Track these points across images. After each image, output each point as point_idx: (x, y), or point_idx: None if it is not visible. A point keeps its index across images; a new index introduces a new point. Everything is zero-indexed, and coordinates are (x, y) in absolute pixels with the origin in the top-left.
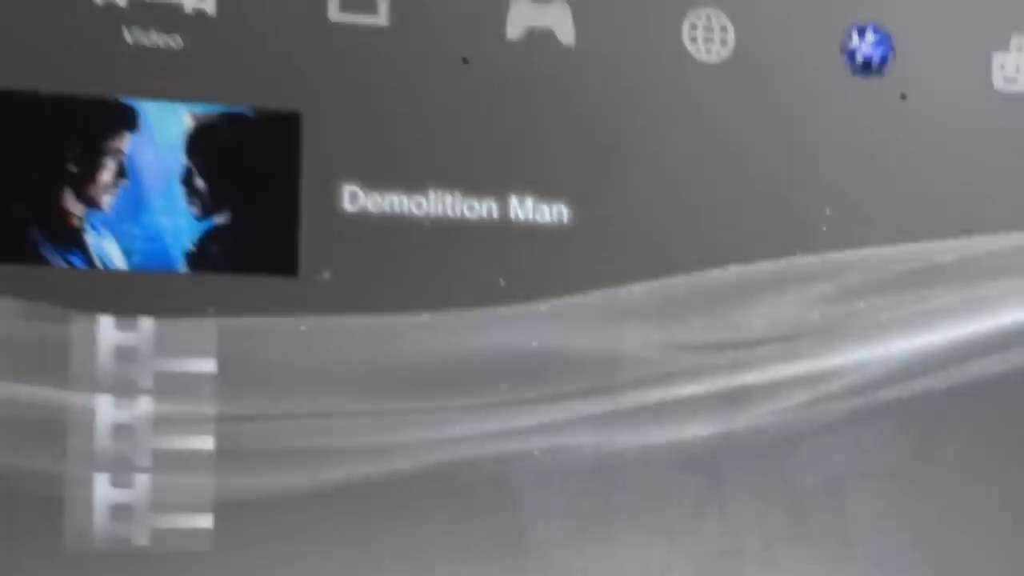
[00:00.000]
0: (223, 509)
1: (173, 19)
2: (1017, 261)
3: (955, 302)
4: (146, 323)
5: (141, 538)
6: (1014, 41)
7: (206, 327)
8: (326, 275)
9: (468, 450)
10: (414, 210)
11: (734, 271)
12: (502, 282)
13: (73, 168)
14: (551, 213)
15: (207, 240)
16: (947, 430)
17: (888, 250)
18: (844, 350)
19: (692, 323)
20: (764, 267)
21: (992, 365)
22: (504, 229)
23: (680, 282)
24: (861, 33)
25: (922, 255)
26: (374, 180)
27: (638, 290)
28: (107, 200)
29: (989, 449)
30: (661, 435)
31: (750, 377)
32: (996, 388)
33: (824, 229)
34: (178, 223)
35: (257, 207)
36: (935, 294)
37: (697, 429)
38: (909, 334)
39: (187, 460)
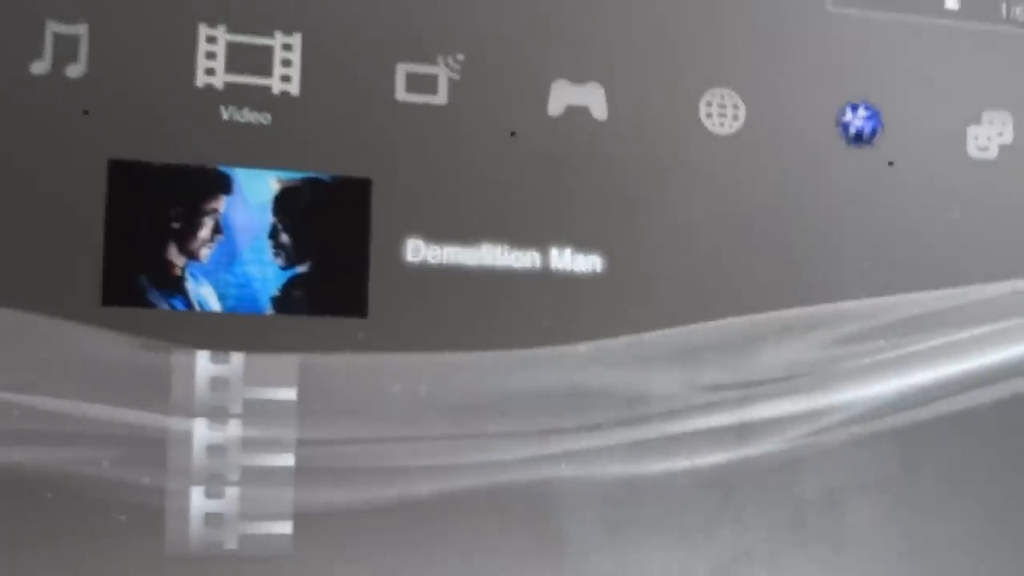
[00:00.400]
0: (301, 518)
1: (263, 99)
2: (993, 309)
3: (939, 345)
4: (237, 357)
5: (231, 543)
6: (985, 116)
7: (288, 361)
8: None
9: (512, 472)
10: (468, 261)
11: (744, 320)
12: (545, 323)
13: (176, 226)
14: (587, 263)
15: (290, 287)
16: (931, 453)
17: (880, 300)
18: (841, 388)
19: (709, 365)
20: (770, 316)
21: (973, 399)
22: (545, 277)
23: (698, 329)
24: (854, 109)
25: (909, 305)
26: (434, 235)
27: (662, 336)
28: (205, 253)
29: (968, 469)
30: (682, 461)
31: (759, 412)
32: (975, 417)
33: (823, 280)
34: (265, 272)
35: (333, 259)
36: (921, 338)
37: (714, 457)
38: (900, 373)
39: (271, 475)
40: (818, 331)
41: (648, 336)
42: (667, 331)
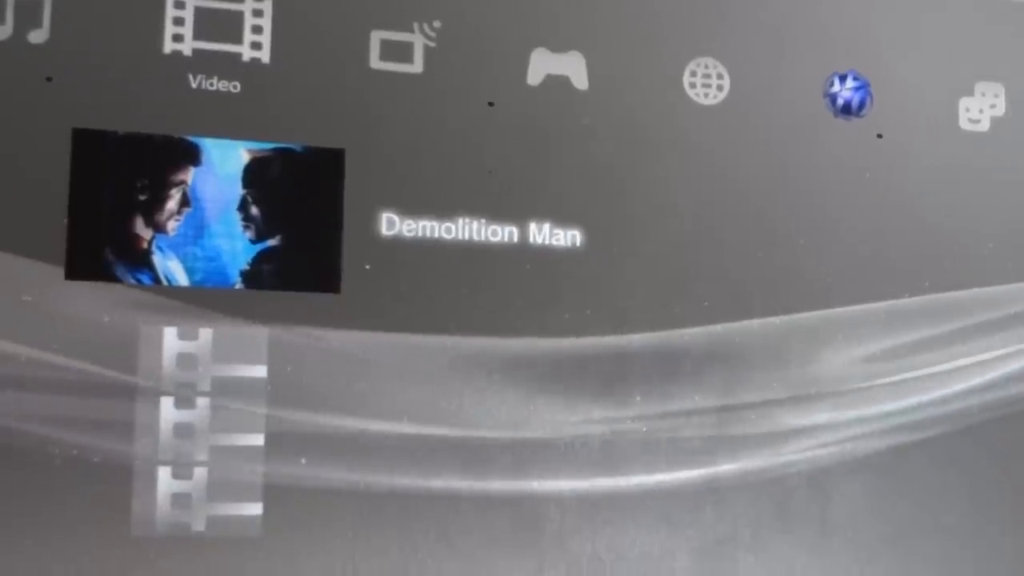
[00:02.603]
0: (271, 499)
1: (232, 67)
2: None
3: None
4: (205, 333)
5: (198, 524)
6: (978, 87)
7: (258, 337)
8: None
9: (494, 457)
10: (444, 235)
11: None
12: (523, 300)
13: (143, 198)
14: (566, 238)
15: (260, 261)
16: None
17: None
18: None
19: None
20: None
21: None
22: (523, 252)
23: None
24: (842, 79)
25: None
26: (409, 208)
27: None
28: (172, 226)
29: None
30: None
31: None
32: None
33: (811, 255)
34: (235, 246)
35: (305, 232)
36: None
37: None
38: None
39: (240, 455)
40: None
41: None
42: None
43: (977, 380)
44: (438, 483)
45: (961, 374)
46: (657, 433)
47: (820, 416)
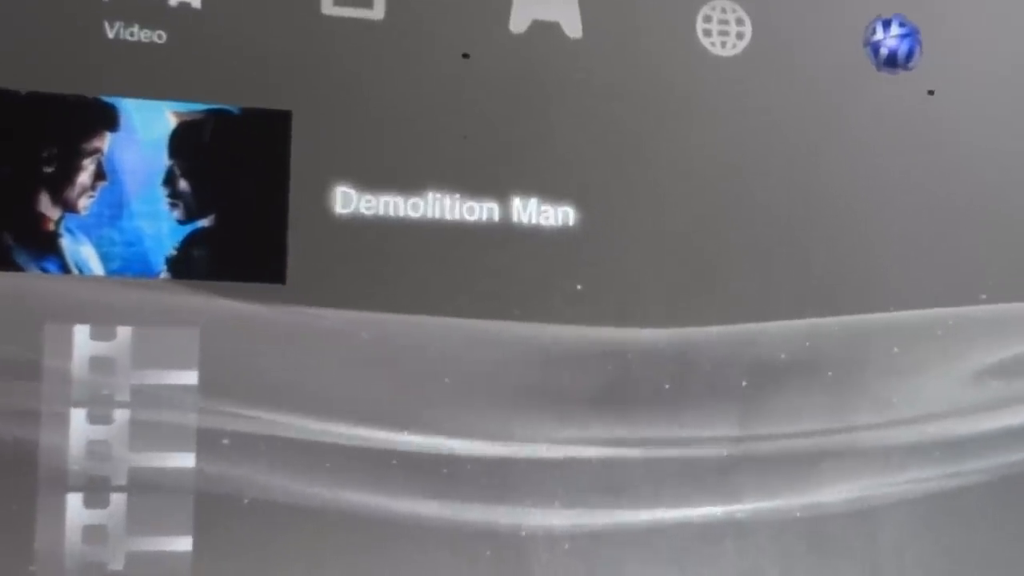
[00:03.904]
0: (203, 532)
1: (156, 13)
2: None
3: None
4: (124, 332)
5: (115, 562)
6: None
7: (187, 337)
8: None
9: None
10: (411, 213)
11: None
12: (506, 288)
13: (49, 169)
14: (556, 216)
15: (190, 245)
16: None
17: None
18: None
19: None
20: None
21: None
22: (506, 233)
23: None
24: (886, 26)
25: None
26: (368, 181)
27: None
28: (84, 203)
29: None
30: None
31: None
32: None
33: (850, 241)
34: (159, 227)
35: (243, 210)
36: None
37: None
38: None
39: (166, 480)
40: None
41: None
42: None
43: None
44: (402, 506)
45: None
46: (667, 453)
47: (865, 436)
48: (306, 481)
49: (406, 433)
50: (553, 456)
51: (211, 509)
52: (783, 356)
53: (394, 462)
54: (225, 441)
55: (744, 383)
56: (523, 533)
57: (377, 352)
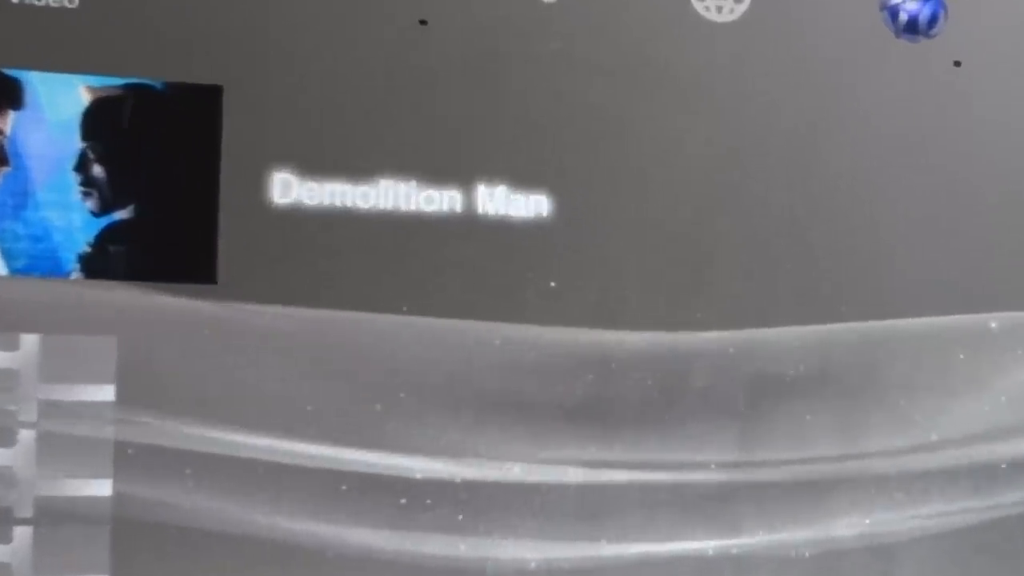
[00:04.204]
0: (121, 567)
1: None
2: None
3: None
4: (29, 342)
5: None
6: None
7: (103, 346)
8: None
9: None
10: (359, 203)
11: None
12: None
13: None
14: (528, 206)
15: (106, 240)
16: None
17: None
18: None
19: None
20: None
21: None
22: (470, 224)
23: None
24: None
25: None
26: (310, 166)
27: None
28: None
29: None
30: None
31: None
32: None
33: (866, 228)
34: (70, 220)
35: (168, 200)
36: None
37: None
38: None
39: (78, 511)
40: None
41: None
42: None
43: None
44: (353, 537)
45: None
46: (657, 477)
47: (881, 464)
48: (239, 499)
49: (354, 450)
50: (525, 479)
51: (130, 540)
52: (787, 367)
53: (344, 487)
54: (147, 462)
55: (743, 398)
56: (489, 570)
57: (321, 357)
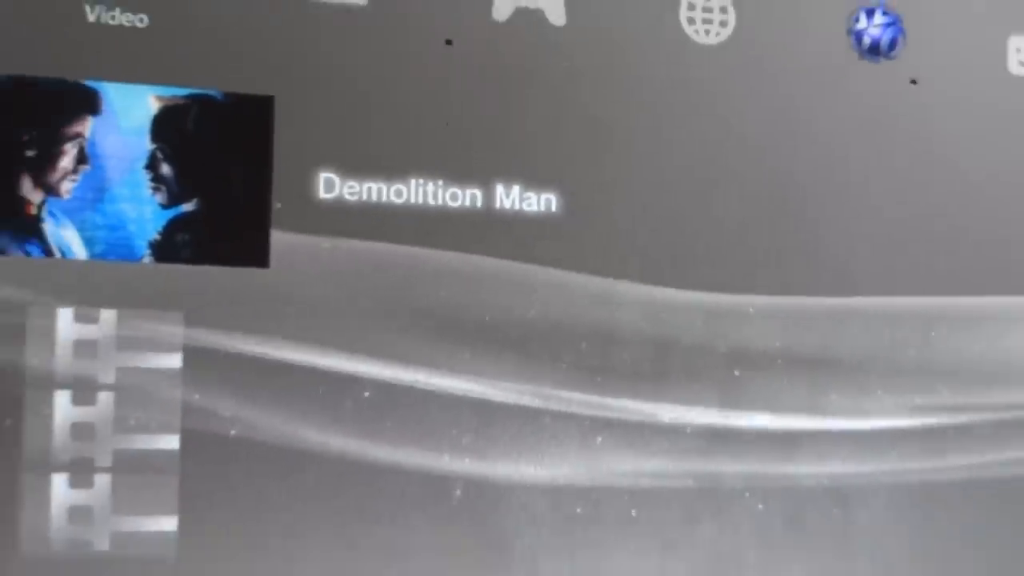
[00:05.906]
0: (188, 512)
1: None
2: None
3: None
4: (108, 316)
5: (101, 542)
6: None
7: (171, 321)
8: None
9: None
10: (393, 198)
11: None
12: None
13: (31, 153)
14: (539, 203)
15: (172, 229)
16: None
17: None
18: None
19: None
20: None
21: None
22: (489, 219)
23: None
24: (869, 14)
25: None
26: (351, 167)
27: None
28: (67, 187)
29: None
30: None
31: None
32: None
33: (830, 227)
34: (142, 211)
35: (226, 195)
36: None
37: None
38: None
39: (150, 461)
40: None
41: None
42: None
43: None
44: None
45: None
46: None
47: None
48: (290, 466)
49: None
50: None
51: (195, 489)
52: (769, 344)
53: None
54: (209, 424)
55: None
56: (500, 488)
57: (360, 341)
